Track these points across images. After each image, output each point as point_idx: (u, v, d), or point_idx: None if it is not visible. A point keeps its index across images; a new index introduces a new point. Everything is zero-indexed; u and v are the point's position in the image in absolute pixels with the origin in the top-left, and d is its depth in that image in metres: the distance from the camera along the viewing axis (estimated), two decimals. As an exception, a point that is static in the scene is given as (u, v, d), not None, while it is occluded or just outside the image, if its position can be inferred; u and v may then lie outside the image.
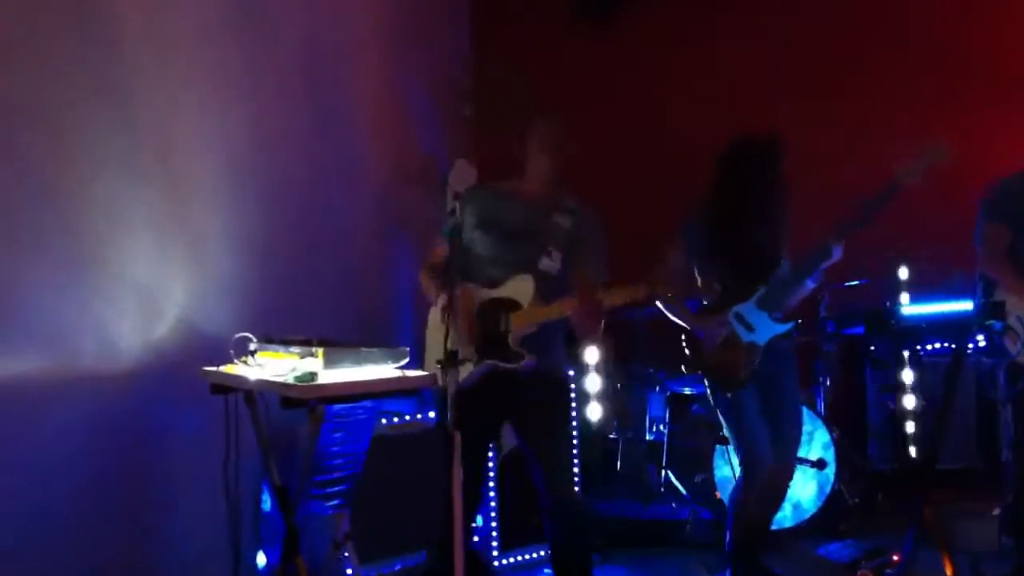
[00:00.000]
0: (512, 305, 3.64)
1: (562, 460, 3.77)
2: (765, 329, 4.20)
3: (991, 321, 4.02)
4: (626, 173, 6.47)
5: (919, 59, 6.30)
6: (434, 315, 3.78)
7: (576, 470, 4.34)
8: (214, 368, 3.53)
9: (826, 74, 6.42)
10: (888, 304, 5.97)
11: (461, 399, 3.28)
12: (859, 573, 4.06)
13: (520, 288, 3.64)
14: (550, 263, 3.68)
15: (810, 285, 4.22)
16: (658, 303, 4.40)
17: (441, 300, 3.67)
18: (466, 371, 3.44)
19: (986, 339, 4.78)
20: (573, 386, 4.67)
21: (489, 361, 3.61)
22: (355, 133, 5.19)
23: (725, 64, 6.58)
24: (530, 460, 3.75)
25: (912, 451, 5.76)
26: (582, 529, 3.78)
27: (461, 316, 3.57)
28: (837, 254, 4.06)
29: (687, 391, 5.69)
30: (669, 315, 4.40)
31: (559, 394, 3.86)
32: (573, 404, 4.62)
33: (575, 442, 4.59)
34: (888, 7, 6.41)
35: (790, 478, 4.40)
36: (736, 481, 4.30)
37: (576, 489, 3.90)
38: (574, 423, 4.66)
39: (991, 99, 6.12)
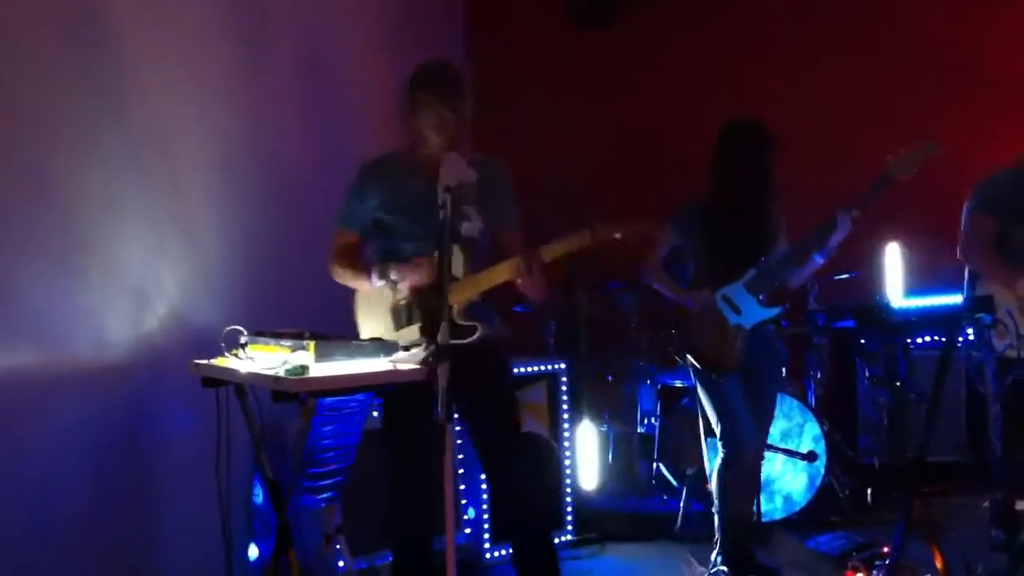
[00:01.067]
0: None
1: (505, 451, 3.59)
2: (752, 312, 4.23)
3: (980, 315, 4.03)
4: (623, 171, 6.49)
5: (914, 57, 6.32)
6: (363, 297, 3.63)
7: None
8: (205, 361, 3.52)
9: (822, 70, 6.43)
10: (878, 297, 5.99)
11: (400, 393, 3.23)
12: (849, 565, 4.07)
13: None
14: (471, 226, 3.46)
15: (819, 260, 4.22)
16: (646, 277, 4.42)
17: (381, 270, 3.50)
18: (415, 357, 3.26)
19: (975, 333, 4.83)
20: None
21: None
22: (351, 129, 5.18)
23: (721, 62, 6.59)
24: (478, 450, 3.63)
25: (902, 444, 5.77)
26: (535, 527, 3.63)
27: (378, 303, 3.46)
28: (844, 225, 4.05)
29: (678, 384, 5.71)
30: (657, 287, 4.43)
31: (497, 371, 3.64)
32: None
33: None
34: (884, 7, 6.42)
35: (762, 456, 4.50)
36: (717, 464, 4.32)
37: (526, 476, 3.66)
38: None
39: (984, 96, 6.14)
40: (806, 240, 4.17)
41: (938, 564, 3.92)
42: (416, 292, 3.47)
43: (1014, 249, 4.18)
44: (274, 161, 4.50)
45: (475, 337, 3.32)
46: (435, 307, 3.15)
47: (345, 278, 3.65)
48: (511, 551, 3.70)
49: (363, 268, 3.59)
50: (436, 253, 3.06)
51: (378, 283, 3.53)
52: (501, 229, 3.57)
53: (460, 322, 3.32)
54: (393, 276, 3.50)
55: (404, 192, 3.50)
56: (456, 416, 3.03)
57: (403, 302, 3.52)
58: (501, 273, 3.34)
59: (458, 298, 3.35)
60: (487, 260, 3.43)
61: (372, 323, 3.61)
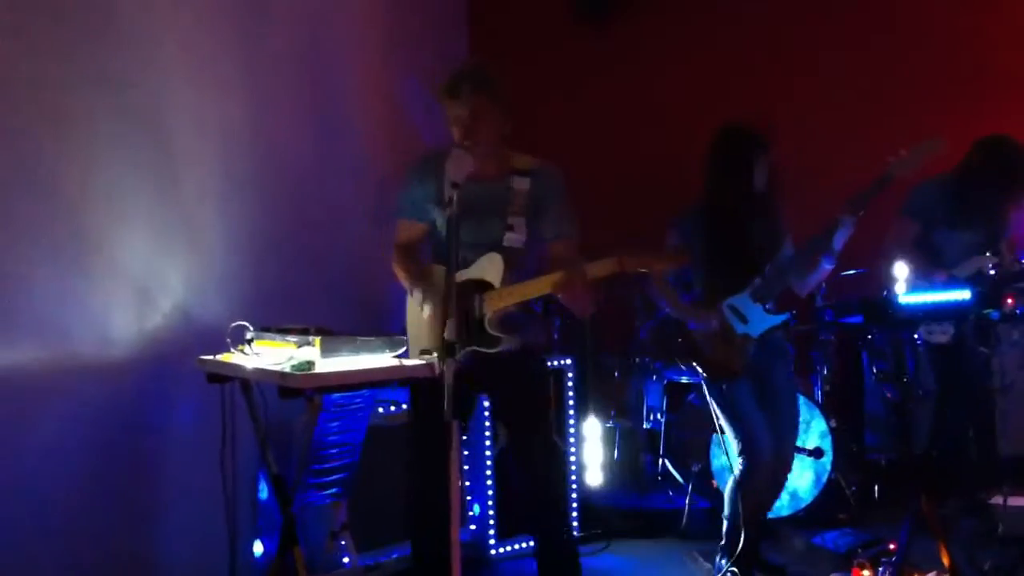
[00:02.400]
0: (483, 286, 3.46)
1: (541, 450, 3.64)
2: (759, 321, 4.21)
3: (988, 311, 4.04)
4: (624, 170, 6.47)
5: (915, 55, 6.30)
6: (412, 306, 3.64)
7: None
8: (210, 357, 3.52)
9: (823, 68, 6.41)
10: (886, 293, 5.97)
11: (428, 389, 3.20)
12: (856, 562, 4.06)
13: (489, 267, 3.45)
14: (514, 236, 3.48)
15: (827, 267, 4.20)
16: (649, 293, 4.42)
17: (415, 288, 3.54)
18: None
19: (983, 328, 4.87)
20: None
21: (467, 348, 3.41)
22: (354, 124, 5.18)
23: (723, 61, 6.57)
24: (510, 449, 3.68)
25: (909, 440, 5.75)
26: (561, 520, 3.71)
27: (439, 302, 3.44)
28: (847, 227, 4.05)
29: (684, 380, 5.69)
30: (661, 304, 4.42)
31: (539, 380, 3.72)
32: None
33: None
34: (885, 5, 6.41)
35: (789, 469, 4.42)
36: (735, 471, 4.30)
37: (557, 480, 3.78)
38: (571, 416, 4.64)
39: (987, 92, 6.13)
40: (810, 245, 4.15)
41: (945, 561, 3.91)
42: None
43: (934, 249, 4.72)
44: (278, 157, 4.50)
45: (497, 349, 3.36)
46: (468, 312, 3.30)
47: (400, 277, 3.67)
48: (534, 545, 3.74)
49: (412, 277, 3.60)
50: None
51: (418, 305, 3.55)
52: (552, 240, 3.57)
53: (490, 331, 3.37)
54: (426, 313, 3.51)
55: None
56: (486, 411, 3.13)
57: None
58: (543, 286, 3.35)
59: (493, 306, 3.39)
60: (534, 271, 3.44)
61: (417, 323, 3.62)
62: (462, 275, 3.43)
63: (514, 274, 3.42)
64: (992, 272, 4.40)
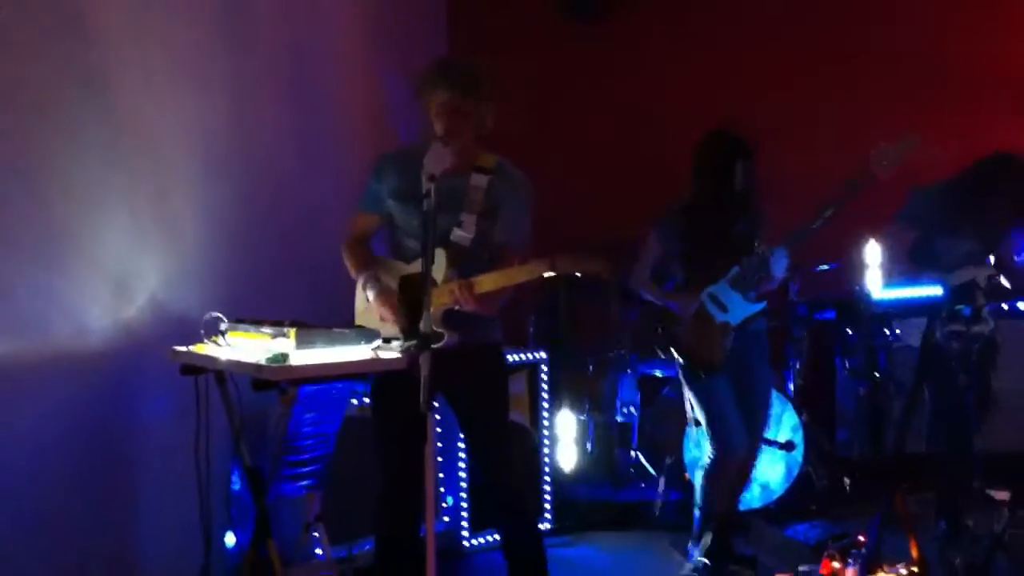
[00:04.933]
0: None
1: (496, 446, 3.62)
2: (739, 309, 4.25)
3: (960, 306, 4.08)
4: (612, 169, 6.47)
5: (900, 55, 6.37)
6: (359, 295, 3.59)
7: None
8: (184, 349, 3.51)
9: (812, 66, 6.48)
10: (859, 289, 6.02)
11: (389, 382, 3.21)
12: (825, 554, 4.09)
13: (435, 263, 3.30)
14: (461, 233, 3.40)
15: (770, 286, 4.26)
16: (633, 285, 4.44)
17: (365, 284, 3.50)
18: (398, 350, 3.28)
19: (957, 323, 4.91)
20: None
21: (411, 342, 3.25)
22: (334, 119, 5.17)
23: (713, 58, 6.60)
24: (466, 444, 3.63)
25: (880, 436, 5.80)
26: (524, 515, 3.68)
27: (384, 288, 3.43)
28: (782, 257, 4.15)
29: (658, 374, 5.72)
30: (643, 295, 4.45)
31: (490, 374, 3.63)
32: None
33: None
34: (875, 7, 6.47)
35: (755, 460, 4.49)
36: (707, 462, 4.34)
37: (518, 474, 3.72)
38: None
39: (968, 92, 6.20)
40: (751, 268, 4.21)
41: (914, 555, 3.96)
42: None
43: (937, 255, 4.61)
44: (255, 150, 4.48)
45: (440, 344, 3.22)
46: (410, 305, 3.10)
47: (348, 265, 3.63)
48: (500, 539, 3.73)
49: (359, 265, 3.57)
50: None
51: (362, 289, 3.53)
52: (499, 245, 3.48)
53: (434, 328, 3.16)
54: (370, 297, 3.49)
55: (409, 183, 3.38)
56: (436, 405, 3.04)
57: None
58: (440, 297, 3.29)
59: (436, 302, 3.25)
60: (483, 269, 3.35)
61: (366, 310, 3.59)
62: (409, 269, 3.39)
63: (456, 271, 3.35)
64: (983, 284, 4.40)
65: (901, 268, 4.81)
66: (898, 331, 5.57)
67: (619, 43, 6.77)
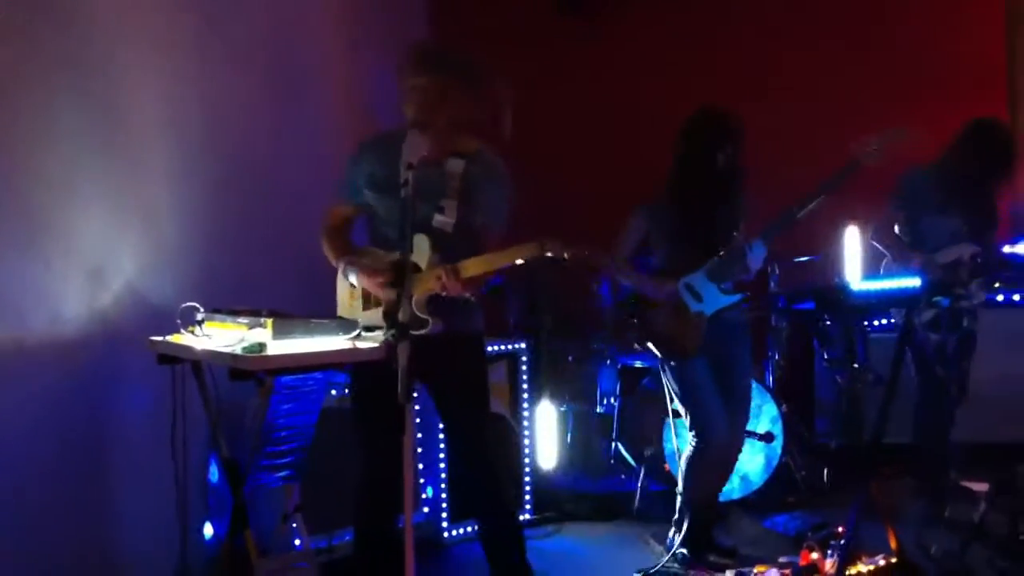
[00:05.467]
0: (413, 268, 3.29)
1: (475, 436, 3.61)
2: (713, 300, 4.26)
3: (938, 298, 4.10)
4: (597, 166, 6.47)
5: (881, 47, 6.48)
6: (342, 287, 3.59)
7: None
8: (161, 338, 3.48)
9: (800, 60, 6.54)
10: (838, 280, 6.04)
11: (369, 372, 3.18)
12: (805, 545, 4.10)
13: (418, 249, 3.30)
14: (443, 219, 3.39)
15: (747, 277, 4.26)
16: (608, 268, 4.43)
17: (344, 269, 3.49)
18: (378, 340, 3.27)
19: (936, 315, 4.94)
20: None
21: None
22: (311, 105, 5.14)
23: (700, 57, 6.65)
24: (445, 434, 3.61)
25: (859, 426, 5.83)
26: (502, 506, 3.65)
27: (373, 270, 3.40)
28: (759, 249, 4.16)
29: (638, 364, 5.72)
30: (620, 279, 4.45)
31: (470, 363, 3.63)
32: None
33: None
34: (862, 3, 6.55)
35: (739, 450, 4.49)
36: (687, 452, 4.35)
37: (496, 465, 3.68)
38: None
39: (946, 82, 6.28)
40: (728, 260, 4.22)
41: (892, 544, 3.97)
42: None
43: (923, 236, 4.69)
44: (234, 139, 4.45)
45: (426, 331, 3.23)
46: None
47: (327, 255, 3.61)
48: (477, 530, 3.71)
49: (338, 252, 3.55)
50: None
51: (343, 276, 3.51)
52: (479, 227, 3.47)
53: (418, 314, 3.23)
54: (352, 280, 3.48)
55: (386, 171, 3.38)
56: (416, 395, 3.01)
57: None
58: (426, 283, 3.28)
59: (418, 289, 3.27)
60: (466, 254, 3.32)
61: (349, 298, 3.58)
62: (393, 257, 3.35)
63: (441, 257, 3.33)
64: (970, 261, 4.47)
65: (889, 250, 4.80)
66: (894, 320, 5.57)
67: (609, 39, 6.78)
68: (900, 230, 4.78)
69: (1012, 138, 4.72)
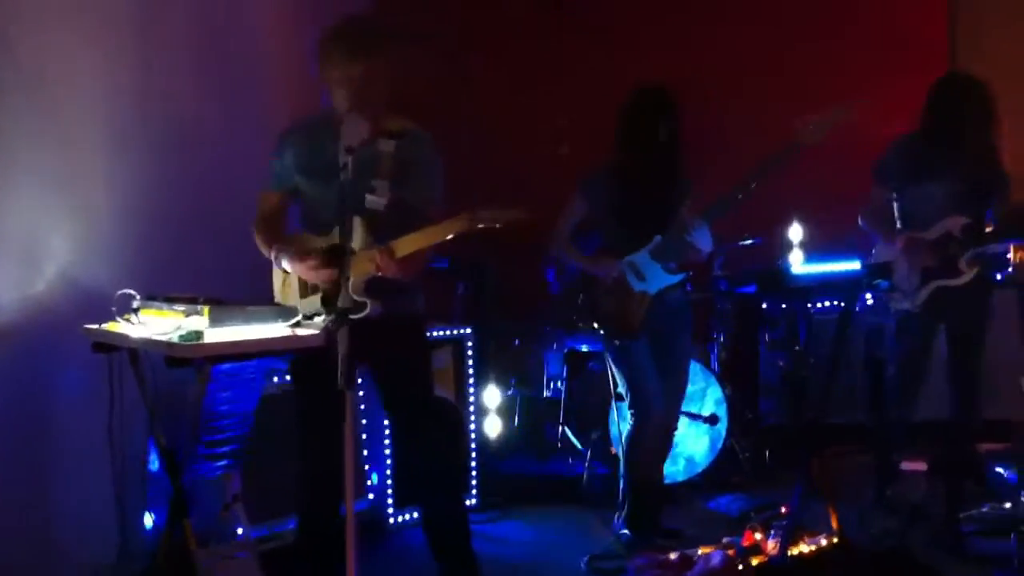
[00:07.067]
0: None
1: (417, 420, 3.59)
2: (656, 279, 4.27)
3: (878, 281, 4.12)
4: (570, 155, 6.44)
5: (824, 30, 6.56)
6: (277, 277, 3.55)
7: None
8: (96, 326, 3.42)
9: (741, 41, 6.56)
10: (780, 263, 6.09)
11: (309, 359, 3.15)
12: (748, 526, 4.14)
13: (352, 232, 3.25)
14: (375, 199, 3.32)
15: (705, 250, 4.25)
16: (552, 247, 4.44)
17: (276, 257, 3.45)
18: (317, 327, 3.24)
19: (874, 298, 4.98)
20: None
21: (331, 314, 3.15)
22: (257, 86, 5.04)
23: (671, 44, 6.61)
24: (388, 419, 3.59)
25: (800, 407, 5.89)
26: (445, 491, 3.64)
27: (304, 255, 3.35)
28: (703, 228, 4.12)
29: (584, 348, 5.72)
30: (563, 257, 4.45)
31: (412, 346, 3.60)
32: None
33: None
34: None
35: (675, 427, 4.55)
36: (627, 430, 4.37)
37: (438, 450, 3.65)
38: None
39: (893, 62, 6.34)
40: (673, 240, 4.20)
41: (834, 524, 4.01)
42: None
43: (907, 212, 4.43)
44: (171, 119, 4.36)
45: (364, 314, 3.18)
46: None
47: (259, 246, 3.56)
48: (420, 515, 3.70)
49: (270, 241, 3.51)
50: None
51: (276, 263, 3.47)
52: (415, 205, 3.42)
53: (355, 297, 3.14)
54: (285, 267, 3.44)
55: (316, 156, 3.38)
56: (360, 380, 2.98)
57: None
58: (361, 264, 3.22)
59: (354, 271, 3.17)
60: (400, 234, 3.27)
61: (284, 287, 3.55)
62: (327, 240, 3.34)
63: (375, 238, 3.28)
64: (959, 235, 4.33)
65: (876, 232, 4.63)
66: (869, 301, 5.43)
67: (582, 28, 6.74)
68: (890, 209, 4.49)
69: (984, 85, 4.44)
